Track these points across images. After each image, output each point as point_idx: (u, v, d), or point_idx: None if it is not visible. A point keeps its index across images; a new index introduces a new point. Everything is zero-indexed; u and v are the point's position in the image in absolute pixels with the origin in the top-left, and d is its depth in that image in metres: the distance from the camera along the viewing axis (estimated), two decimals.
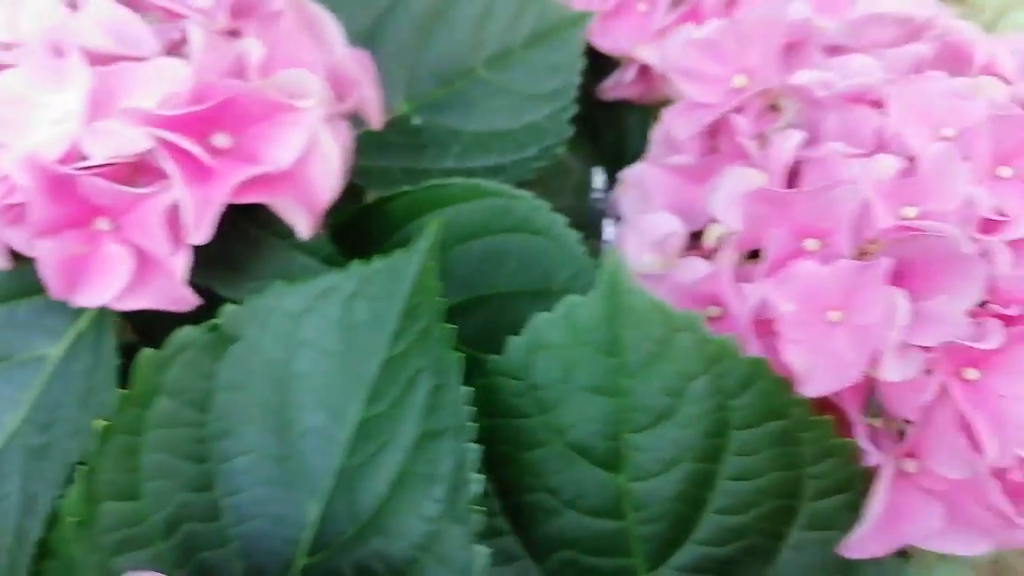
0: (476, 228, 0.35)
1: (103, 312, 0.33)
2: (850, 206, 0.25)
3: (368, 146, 0.39)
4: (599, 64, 0.46)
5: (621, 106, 0.47)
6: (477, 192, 0.34)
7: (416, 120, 0.39)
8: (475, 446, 0.25)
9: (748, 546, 0.28)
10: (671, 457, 0.27)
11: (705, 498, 0.28)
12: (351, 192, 0.38)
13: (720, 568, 0.28)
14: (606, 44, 0.45)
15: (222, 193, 0.26)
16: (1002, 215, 0.26)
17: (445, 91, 0.40)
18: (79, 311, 0.33)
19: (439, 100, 0.40)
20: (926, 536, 0.26)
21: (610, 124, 0.48)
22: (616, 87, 0.46)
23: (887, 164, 0.26)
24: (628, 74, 0.46)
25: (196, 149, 0.26)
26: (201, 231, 0.26)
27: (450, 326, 0.26)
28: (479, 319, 0.35)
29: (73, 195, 0.26)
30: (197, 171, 0.26)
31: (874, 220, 0.25)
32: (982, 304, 0.26)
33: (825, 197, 0.25)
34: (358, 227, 0.36)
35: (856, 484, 0.27)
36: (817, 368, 0.25)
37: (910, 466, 0.26)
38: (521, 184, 0.36)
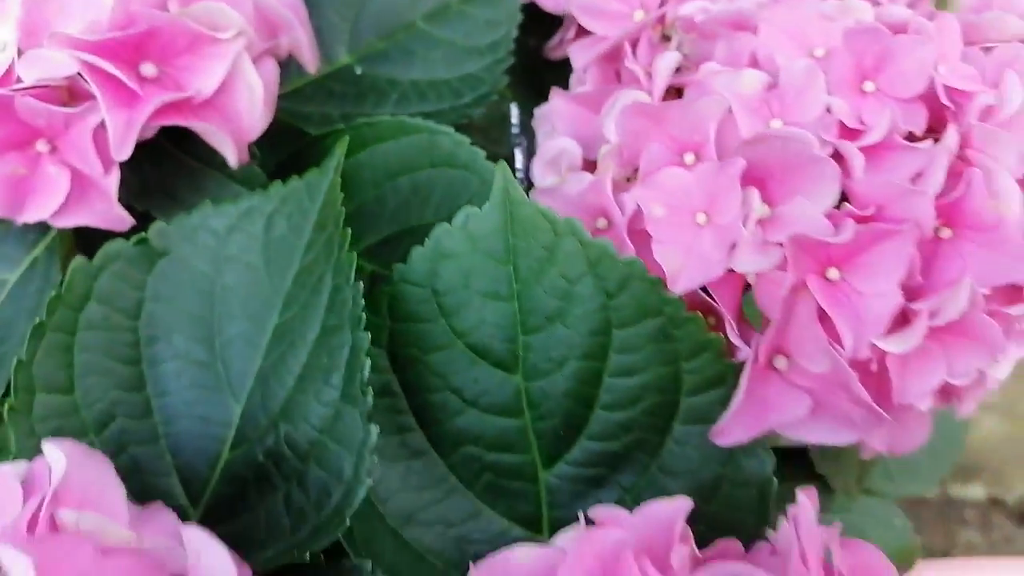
0: (405, 165, 0.37)
1: (54, 241, 0.35)
2: (715, 116, 0.27)
3: (313, 94, 0.41)
4: (547, 24, 0.49)
5: (567, 64, 0.49)
6: (403, 129, 0.37)
7: (358, 70, 0.41)
8: (366, 334, 0.27)
9: (636, 440, 0.30)
10: (561, 356, 0.29)
11: (593, 395, 0.30)
12: (296, 135, 0.41)
13: (611, 462, 0.30)
14: (548, 3, 0.47)
15: (144, 115, 0.29)
16: (864, 125, 0.28)
17: (386, 43, 0.42)
18: (34, 242, 0.36)
19: (380, 52, 0.42)
20: (790, 424, 0.27)
21: (557, 82, 0.50)
22: (560, 46, 0.48)
23: (752, 78, 0.28)
24: (570, 32, 0.48)
25: (118, 72, 0.28)
26: (123, 149, 0.29)
27: (347, 230, 0.29)
28: (407, 249, 0.37)
29: (12, 117, 0.29)
30: (122, 94, 0.29)
31: (739, 130, 0.27)
32: (843, 208, 0.28)
33: (693, 108, 0.28)
34: (298, 163, 0.38)
35: (729, 379, 0.28)
36: (685, 267, 0.27)
37: (781, 362, 0.28)
38: (458, 129, 0.39)
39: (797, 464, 0.40)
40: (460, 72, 0.42)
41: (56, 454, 0.24)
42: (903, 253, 0.27)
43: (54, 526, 0.23)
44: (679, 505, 0.23)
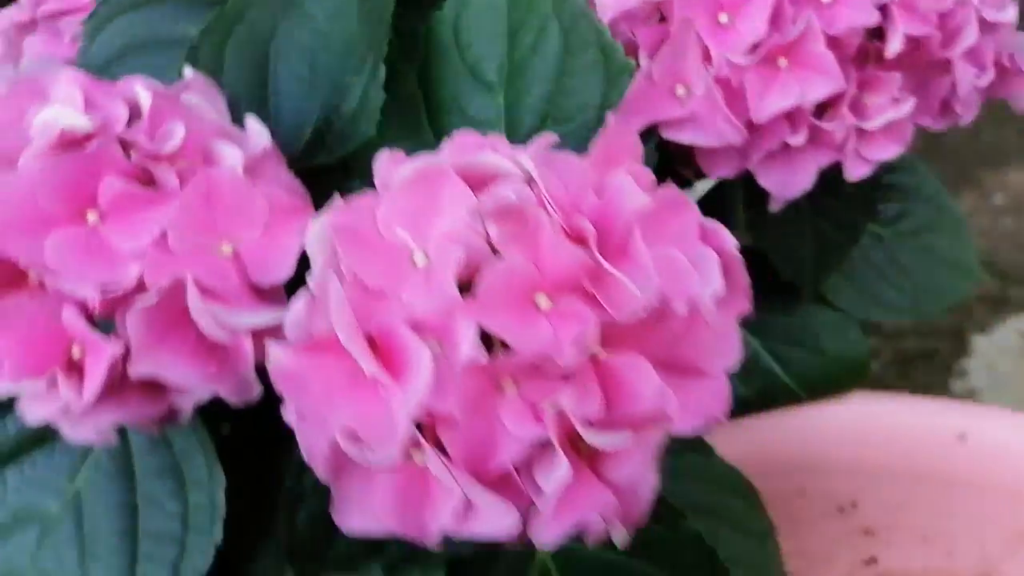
0: None
1: None
2: None
3: None
4: None
5: None
6: None
7: None
8: (387, 36, 0.40)
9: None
10: (530, 82, 0.41)
11: (548, 112, 0.40)
12: None
13: None
14: None
15: None
16: None
17: None
18: None
19: None
20: (668, 122, 0.37)
21: None
22: None
23: None
24: None
25: None
26: None
27: None
28: None
29: None
30: None
31: None
32: None
33: None
34: None
35: None
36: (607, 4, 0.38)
37: (681, 90, 0.37)
38: None
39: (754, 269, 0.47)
40: None
41: (190, 70, 0.39)
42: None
43: None
44: (549, 136, 0.34)
